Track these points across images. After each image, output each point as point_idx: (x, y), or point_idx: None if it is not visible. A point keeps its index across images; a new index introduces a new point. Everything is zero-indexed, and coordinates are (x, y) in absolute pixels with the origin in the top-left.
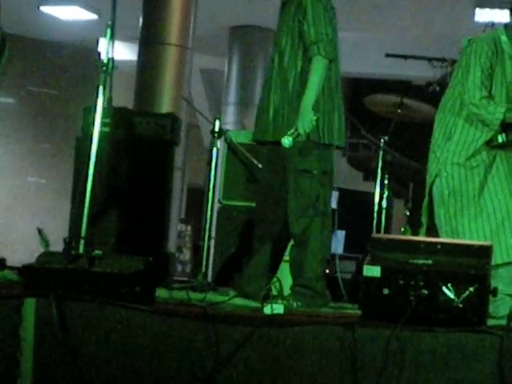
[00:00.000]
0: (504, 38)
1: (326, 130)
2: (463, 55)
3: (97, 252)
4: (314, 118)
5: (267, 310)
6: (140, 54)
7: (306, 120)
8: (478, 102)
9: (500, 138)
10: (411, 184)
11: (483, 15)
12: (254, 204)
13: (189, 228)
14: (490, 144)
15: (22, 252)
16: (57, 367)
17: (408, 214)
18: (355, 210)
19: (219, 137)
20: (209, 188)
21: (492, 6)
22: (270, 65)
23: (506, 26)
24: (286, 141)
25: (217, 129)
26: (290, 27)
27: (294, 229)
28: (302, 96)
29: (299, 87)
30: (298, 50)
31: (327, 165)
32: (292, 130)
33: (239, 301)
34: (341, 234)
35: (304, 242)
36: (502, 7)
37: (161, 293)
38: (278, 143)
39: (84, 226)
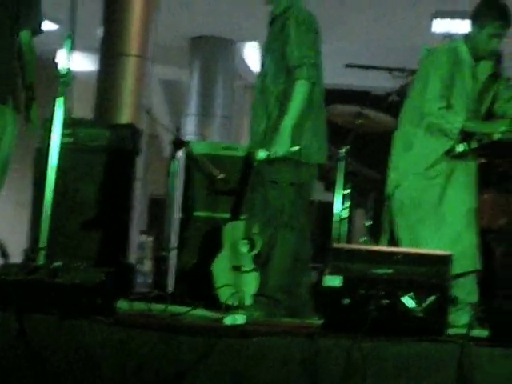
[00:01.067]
0: (464, 48)
1: (304, 148)
2: (423, 65)
3: (57, 263)
4: (295, 148)
5: (228, 320)
6: (100, 65)
7: (284, 143)
8: (436, 112)
9: (459, 148)
10: (372, 194)
11: (441, 26)
12: (214, 214)
13: (150, 239)
14: (450, 154)
15: None
16: (18, 380)
17: (369, 224)
18: (316, 220)
19: (180, 147)
20: (170, 198)
21: (449, 16)
22: (256, 84)
23: (465, 36)
24: (262, 154)
25: (177, 139)
26: (273, 47)
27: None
28: (281, 117)
29: (279, 108)
30: (280, 71)
31: (297, 178)
32: (270, 150)
33: (200, 312)
34: None
35: (268, 252)
36: (459, 18)
37: (122, 304)
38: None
39: (43, 237)
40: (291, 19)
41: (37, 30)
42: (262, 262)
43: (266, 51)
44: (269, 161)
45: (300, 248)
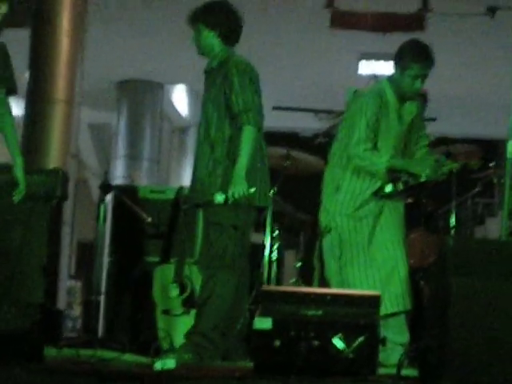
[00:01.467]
0: (388, 90)
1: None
2: (350, 108)
3: None
4: (252, 190)
5: (158, 365)
6: (26, 110)
7: (239, 189)
8: (362, 154)
9: (387, 189)
10: (302, 235)
11: (367, 67)
12: (144, 258)
13: (79, 284)
14: (378, 195)
15: None
16: None
17: (299, 265)
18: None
19: (108, 191)
20: (99, 243)
21: (375, 58)
22: (198, 132)
23: (390, 78)
24: (220, 198)
25: (105, 183)
26: (216, 97)
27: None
28: (228, 162)
29: (227, 154)
30: (224, 119)
31: (239, 221)
32: (226, 194)
33: (130, 356)
34: None
35: (207, 292)
36: (384, 59)
37: (50, 351)
38: (199, 205)
39: None
40: (233, 69)
41: (12, 90)
42: (200, 302)
43: (207, 101)
44: (211, 203)
45: (240, 290)
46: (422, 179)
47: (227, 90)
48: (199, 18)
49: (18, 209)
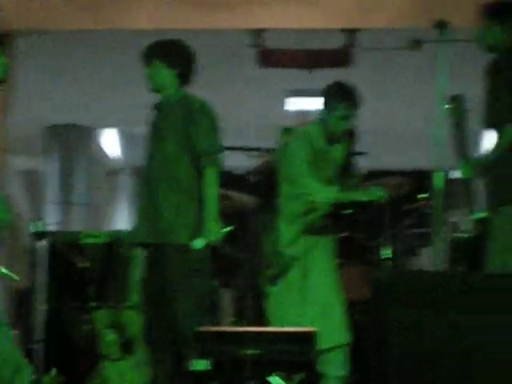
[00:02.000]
0: (316, 132)
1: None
2: (284, 151)
3: None
4: (227, 230)
5: None
6: None
7: (215, 230)
8: (310, 183)
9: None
10: (239, 274)
11: (294, 104)
12: (81, 303)
13: (16, 332)
14: (308, 232)
15: None
16: None
17: (236, 304)
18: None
19: (41, 238)
20: (34, 290)
21: (302, 94)
22: (150, 169)
23: (318, 120)
24: (200, 242)
25: (38, 230)
26: (176, 134)
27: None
28: (197, 203)
29: (193, 193)
30: (186, 157)
31: (207, 263)
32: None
33: None
34: None
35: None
36: (311, 95)
37: None
38: (164, 245)
39: None
40: (199, 110)
41: None
42: None
43: (163, 137)
44: (185, 250)
45: None
46: (371, 197)
47: (192, 131)
48: (158, 56)
49: None
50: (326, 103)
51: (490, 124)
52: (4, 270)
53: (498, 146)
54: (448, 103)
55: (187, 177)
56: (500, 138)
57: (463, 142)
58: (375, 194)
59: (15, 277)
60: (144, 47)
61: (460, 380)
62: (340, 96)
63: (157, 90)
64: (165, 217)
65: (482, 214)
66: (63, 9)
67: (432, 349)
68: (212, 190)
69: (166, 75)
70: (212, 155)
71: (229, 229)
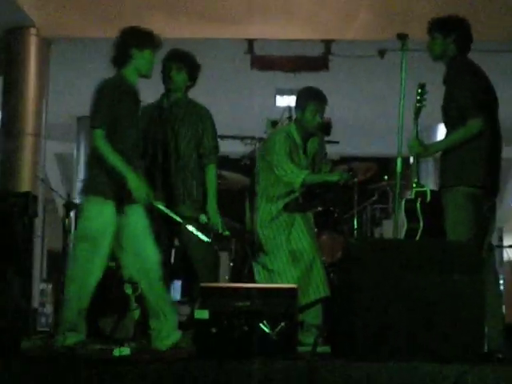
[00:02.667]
0: (295, 132)
1: None
2: (271, 140)
3: None
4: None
5: (116, 352)
6: (1, 143)
7: (217, 219)
8: (286, 166)
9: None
10: (233, 240)
11: (283, 101)
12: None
13: (50, 286)
14: (288, 209)
15: None
16: None
17: (232, 265)
18: (187, 262)
19: (71, 209)
20: (65, 251)
21: (289, 93)
22: (168, 156)
23: (294, 120)
24: (204, 218)
25: (68, 202)
26: (189, 131)
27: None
28: (198, 185)
29: (194, 181)
30: (193, 151)
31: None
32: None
33: (93, 345)
34: (177, 284)
35: None
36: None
37: (25, 343)
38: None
39: None
40: (207, 114)
41: None
42: None
43: (181, 129)
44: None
45: None
46: (336, 178)
47: (202, 131)
48: (185, 62)
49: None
50: (299, 105)
51: (447, 119)
52: (192, 229)
53: (456, 134)
54: (417, 89)
55: (198, 170)
56: (456, 129)
57: (417, 123)
58: (342, 175)
59: (206, 239)
60: (167, 54)
61: (418, 331)
62: (310, 96)
63: (174, 90)
64: (191, 196)
65: (424, 188)
66: (89, 20)
67: (390, 302)
68: (215, 181)
69: (183, 79)
70: (215, 155)
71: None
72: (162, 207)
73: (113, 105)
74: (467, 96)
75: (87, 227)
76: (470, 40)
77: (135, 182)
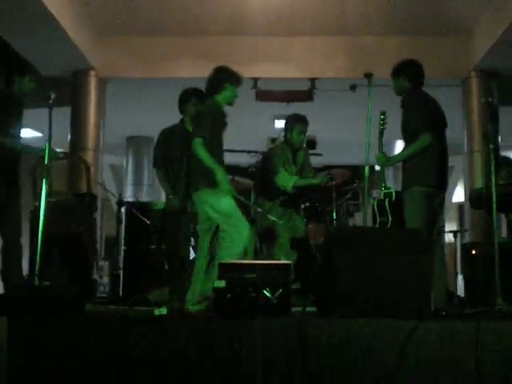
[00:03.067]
0: (286, 146)
1: None
2: (271, 155)
3: (46, 283)
4: None
5: (156, 312)
6: (69, 157)
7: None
8: (282, 175)
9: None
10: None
11: (280, 124)
12: (147, 246)
13: (107, 263)
14: (283, 205)
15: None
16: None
17: None
18: None
19: (121, 205)
20: (118, 237)
21: (284, 118)
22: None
23: (284, 141)
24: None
25: (120, 200)
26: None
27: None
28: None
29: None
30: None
31: None
32: None
33: (139, 308)
34: None
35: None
36: None
37: (88, 306)
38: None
39: (37, 267)
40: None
41: None
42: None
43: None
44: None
45: None
46: (318, 182)
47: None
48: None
49: (68, 217)
50: (288, 127)
51: (405, 135)
52: (273, 218)
53: (411, 147)
54: (379, 115)
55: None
56: (411, 143)
57: (381, 141)
58: (322, 179)
59: (280, 221)
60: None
61: (382, 296)
62: (296, 120)
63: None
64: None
65: (390, 190)
66: (135, 64)
67: (363, 276)
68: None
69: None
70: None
71: None
72: (236, 196)
73: (213, 123)
74: (418, 118)
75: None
76: (422, 76)
77: (223, 177)
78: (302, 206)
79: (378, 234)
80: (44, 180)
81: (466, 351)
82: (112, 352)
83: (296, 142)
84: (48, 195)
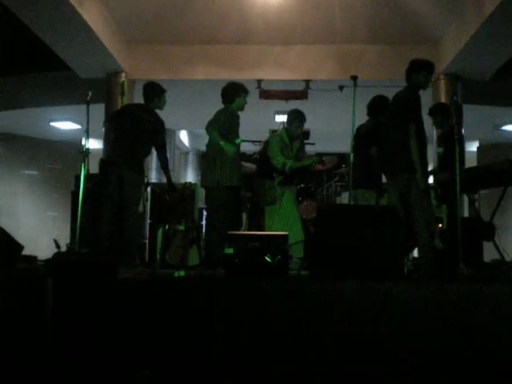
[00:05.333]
0: (284, 135)
1: None
2: (269, 141)
3: (84, 250)
4: None
5: (176, 274)
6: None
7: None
8: (278, 157)
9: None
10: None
11: (280, 118)
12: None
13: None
14: (280, 183)
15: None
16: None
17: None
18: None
19: (147, 186)
20: (144, 213)
21: (283, 113)
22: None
23: (284, 130)
24: None
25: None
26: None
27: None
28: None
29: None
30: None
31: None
32: None
33: (162, 270)
34: None
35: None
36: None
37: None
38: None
39: (78, 236)
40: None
41: None
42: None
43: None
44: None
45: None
46: (309, 162)
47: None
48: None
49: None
50: (288, 120)
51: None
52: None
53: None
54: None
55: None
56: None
57: None
58: (312, 159)
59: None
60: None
61: (363, 261)
62: (296, 115)
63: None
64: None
65: None
66: (159, 67)
67: (347, 244)
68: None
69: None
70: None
71: None
72: None
73: (231, 123)
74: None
75: None
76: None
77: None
78: (298, 187)
79: (358, 210)
80: (83, 164)
81: (433, 307)
82: (138, 309)
83: (293, 133)
84: (85, 180)
